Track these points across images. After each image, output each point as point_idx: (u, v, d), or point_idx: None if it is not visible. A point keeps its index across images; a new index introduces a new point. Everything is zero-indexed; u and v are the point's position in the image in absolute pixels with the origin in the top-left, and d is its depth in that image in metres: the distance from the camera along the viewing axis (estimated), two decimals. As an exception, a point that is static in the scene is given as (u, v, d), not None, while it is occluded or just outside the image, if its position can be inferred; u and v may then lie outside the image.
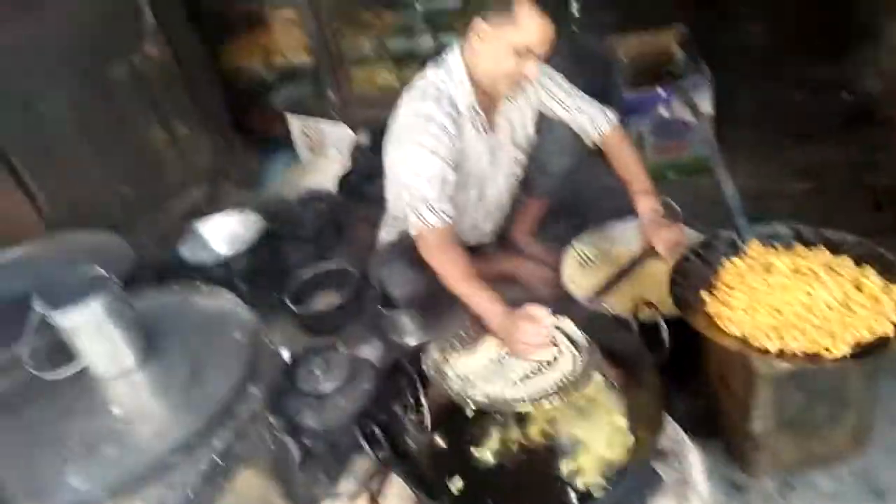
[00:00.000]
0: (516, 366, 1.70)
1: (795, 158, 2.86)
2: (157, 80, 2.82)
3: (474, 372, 1.70)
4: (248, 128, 3.44)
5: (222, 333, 1.73)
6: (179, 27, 2.93)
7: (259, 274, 2.56)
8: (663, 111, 2.75)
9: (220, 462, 1.49)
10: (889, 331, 1.50)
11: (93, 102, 2.69)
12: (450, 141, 1.97)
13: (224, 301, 1.82)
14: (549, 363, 1.68)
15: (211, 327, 1.76)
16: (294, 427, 1.90)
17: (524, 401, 1.58)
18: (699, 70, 2.77)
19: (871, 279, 1.60)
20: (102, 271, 1.55)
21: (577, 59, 3.49)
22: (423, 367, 1.66)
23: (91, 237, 2.34)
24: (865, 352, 1.49)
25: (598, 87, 2.36)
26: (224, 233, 2.62)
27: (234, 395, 1.55)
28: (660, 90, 2.73)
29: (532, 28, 1.86)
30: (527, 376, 1.66)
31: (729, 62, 3.39)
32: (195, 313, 1.82)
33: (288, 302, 2.51)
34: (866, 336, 1.50)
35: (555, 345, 1.72)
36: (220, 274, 2.44)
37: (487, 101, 2.09)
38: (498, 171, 2.26)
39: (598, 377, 1.69)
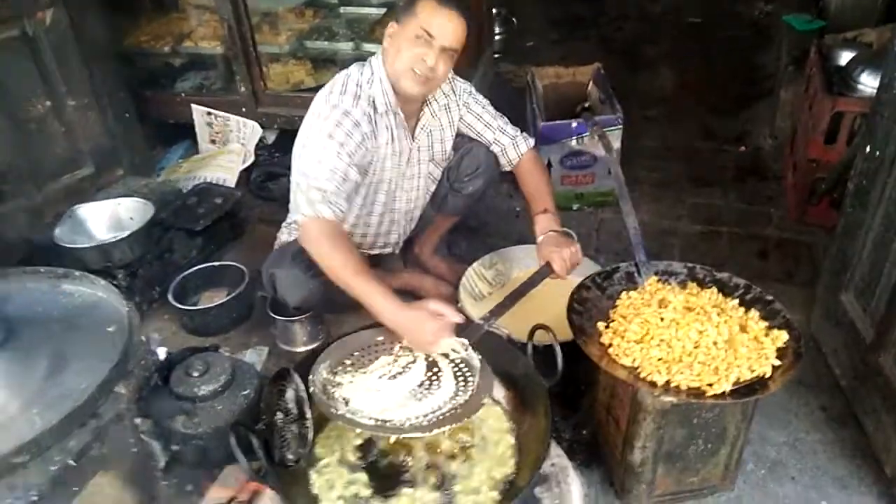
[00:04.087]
0: (408, 386, 1.64)
1: (693, 202, 2.99)
2: (50, 50, 2.61)
3: (364, 394, 1.62)
4: (149, 112, 3.25)
5: (92, 324, 1.60)
6: (83, -1, 2.75)
7: (141, 264, 2.39)
8: (575, 143, 2.80)
9: (73, 464, 1.36)
10: (768, 372, 1.56)
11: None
12: (361, 139, 1.94)
13: (97, 289, 1.68)
14: (440, 382, 1.64)
15: (79, 317, 1.63)
16: (163, 431, 1.78)
17: (414, 429, 1.52)
18: (612, 108, 2.85)
19: (756, 322, 1.66)
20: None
21: (496, 83, 3.56)
22: (310, 388, 1.57)
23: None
24: (745, 391, 1.54)
25: (514, 113, 2.38)
26: (107, 218, 2.43)
27: (97, 393, 1.43)
28: (573, 123, 2.78)
29: (429, 14, 1.87)
30: (418, 397, 1.60)
31: (640, 105, 3.55)
32: (63, 300, 1.67)
33: (170, 297, 2.36)
34: (747, 375, 1.55)
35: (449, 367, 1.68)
36: (97, 261, 2.26)
37: (408, 106, 2.07)
38: (411, 181, 2.25)
39: (489, 399, 1.66)
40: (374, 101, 2.00)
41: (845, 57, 2.73)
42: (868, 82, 2.49)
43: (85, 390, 1.40)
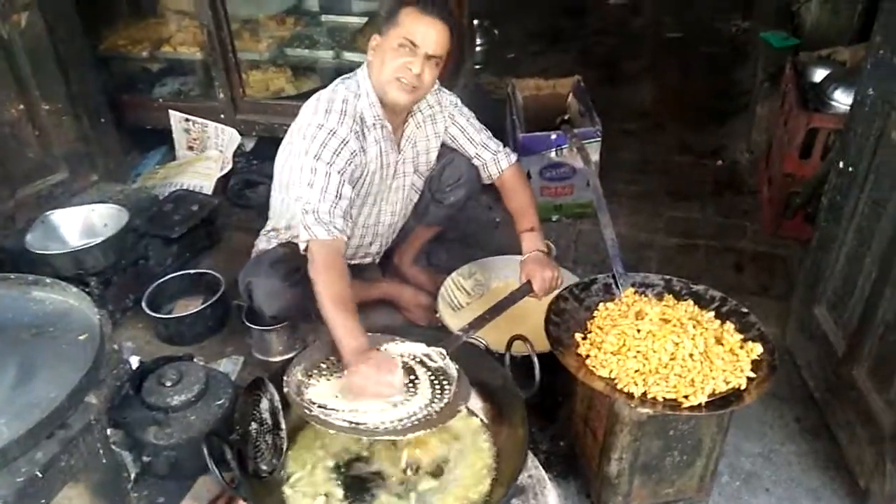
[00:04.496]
0: None
1: (670, 215, 3.02)
2: (25, 53, 2.58)
3: (339, 396, 1.60)
4: (125, 117, 3.21)
5: (62, 332, 1.57)
6: (59, 1, 2.70)
7: (114, 271, 2.35)
8: (554, 155, 2.82)
9: (40, 476, 1.33)
10: (743, 384, 1.57)
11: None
12: (349, 156, 1.92)
13: (69, 297, 1.65)
14: (416, 389, 1.63)
15: (50, 324, 1.59)
16: (134, 441, 1.74)
17: (388, 432, 1.52)
18: (591, 120, 2.87)
19: (731, 334, 1.67)
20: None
21: (477, 94, 3.57)
22: (284, 388, 1.55)
23: None
24: (720, 403, 1.55)
25: (495, 124, 2.39)
26: (80, 224, 2.39)
27: (67, 403, 1.40)
28: (553, 134, 2.80)
29: (412, 23, 1.87)
30: (394, 404, 1.59)
31: (619, 118, 3.58)
32: (33, 307, 1.64)
33: (144, 305, 2.32)
34: (722, 388, 1.56)
35: (413, 380, 1.66)
36: (69, 267, 2.22)
37: (394, 118, 2.07)
38: (396, 193, 2.24)
39: (465, 410, 1.65)
40: (362, 116, 1.99)
41: (820, 74, 2.78)
42: (842, 99, 2.53)
43: (54, 400, 1.37)
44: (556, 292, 1.95)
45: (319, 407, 1.56)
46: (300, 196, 1.87)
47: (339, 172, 1.88)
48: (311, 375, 1.65)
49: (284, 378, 1.58)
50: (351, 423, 1.53)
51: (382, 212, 2.25)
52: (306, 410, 1.54)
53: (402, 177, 2.21)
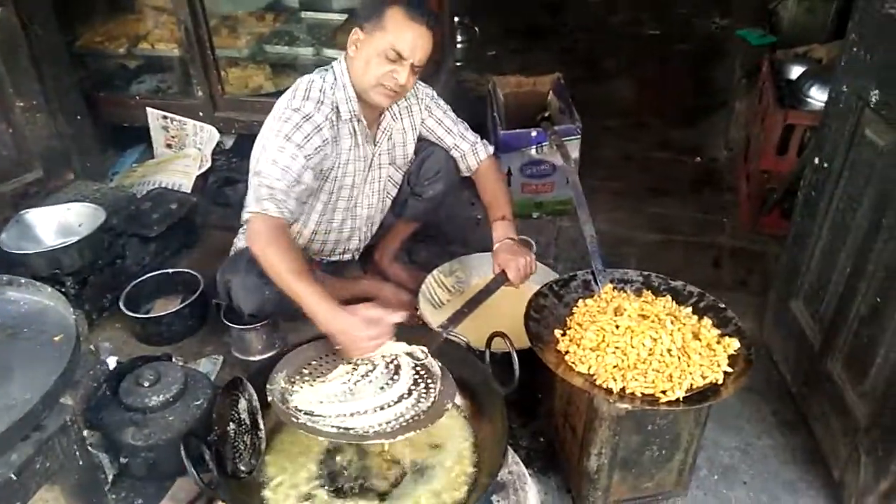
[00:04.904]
0: (368, 395, 1.62)
1: (649, 211, 3.04)
2: (-2, 47, 2.55)
3: (324, 402, 1.60)
4: (102, 114, 3.18)
5: (37, 333, 1.55)
6: (33, -4, 2.67)
7: (91, 271, 2.33)
8: (534, 152, 2.82)
9: (14, 478, 1.31)
10: (720, 379, 1.59)
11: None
12: (321, 143, 1.92)
13: (43, 297, 1.62)
14: (401, 393, 1.63)
15: (24, 325, 1.57)
16: (111, 443, 1.73)
17: (377, 436, 1.52)
18: (571, 117, 2.88)
19: (709, 330, 1.69)
20: None
21: (458, 92, 3.57)
22: (269, 397, 1.55)
23: None
24: (698, 397, 1.56)
25: (475, 121, 2.39)
26: (55, 223, 2.36)
27: (41, 405, 1.37)
28: (533, 132, 2.80)
29: (400, 32, 1.86)
30: (380, 407, 1.59)
31: (599, 115, 3.59)
32: (7, 307, 1.61)
33: (122, 305, 2.30)
34: (700, 382, 1.57)
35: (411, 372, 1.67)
36: (44, 267, 2.19)
37: (370, 112, 2.06)
38: (372, 186, 2.24)
39: (451, 405, 1.66)
40: (336, 108, 1.99)
41: (796, 71, 2.81)
42: (817, 96, 2.57)
43: (28, 401, 1.35)
44: (536, 276, 1.95)
45: (306, 414, 1.55)
46: (260, 170, 1.85)
47: (305, 157, 1.88)
48: (293, 382, 1.64)
49: (268, 387, 1.57)
50: (340, 428, 1.53)
51: (359, 205, 2.24)
52: (293, 419, 1.53)
53: (377, 169, 2.21)
